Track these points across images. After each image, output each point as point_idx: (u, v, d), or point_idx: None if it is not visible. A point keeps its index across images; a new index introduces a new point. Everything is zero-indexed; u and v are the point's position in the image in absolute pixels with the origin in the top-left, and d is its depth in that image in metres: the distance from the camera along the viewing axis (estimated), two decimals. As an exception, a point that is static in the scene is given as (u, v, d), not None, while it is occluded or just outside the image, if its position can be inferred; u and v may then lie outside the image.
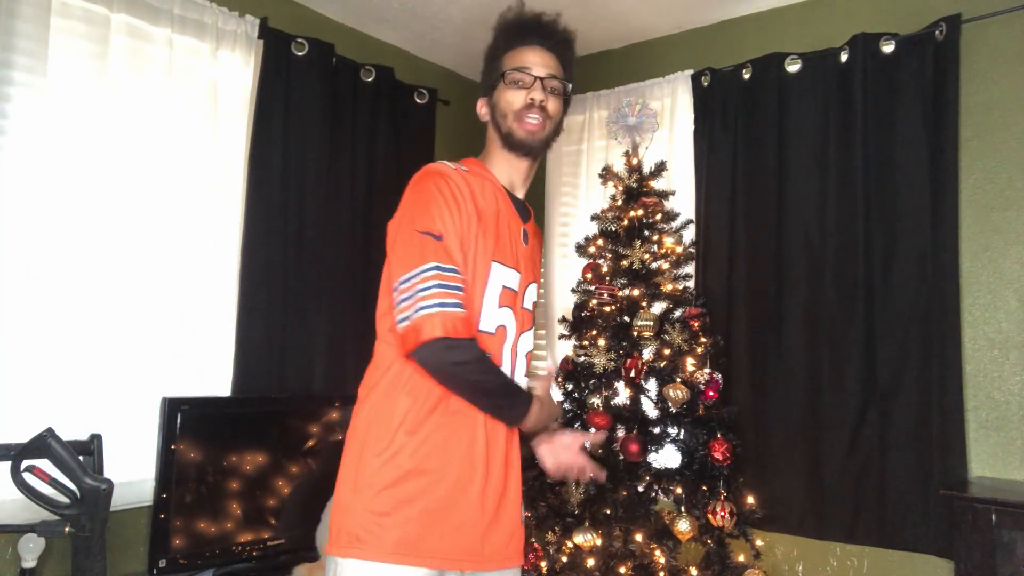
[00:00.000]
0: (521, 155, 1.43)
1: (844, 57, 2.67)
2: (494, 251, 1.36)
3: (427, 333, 1.21)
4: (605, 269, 2.65)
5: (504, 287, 1.38)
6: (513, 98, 1.41)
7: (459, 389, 1.29)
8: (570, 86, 1.48)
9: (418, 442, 1.28)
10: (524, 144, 1.41)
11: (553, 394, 1.36)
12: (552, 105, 1.42)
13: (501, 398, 1.33)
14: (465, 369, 1.26)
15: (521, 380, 1.43)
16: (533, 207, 1.56)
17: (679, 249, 2.63)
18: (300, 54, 2.82)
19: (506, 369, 1.39)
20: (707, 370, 2.49)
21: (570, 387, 2.65)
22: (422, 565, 1.25)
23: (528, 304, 1.46)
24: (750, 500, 2.47)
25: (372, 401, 1.34)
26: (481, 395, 1.31)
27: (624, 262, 2.60)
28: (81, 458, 1.86)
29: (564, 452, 1.47)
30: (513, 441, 1.41)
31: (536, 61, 1.42)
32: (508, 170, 1.46)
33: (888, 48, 2.58)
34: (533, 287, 1.48)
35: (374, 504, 1.26)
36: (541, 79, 1.41)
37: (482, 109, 1.49)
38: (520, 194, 1.49)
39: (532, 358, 1.49)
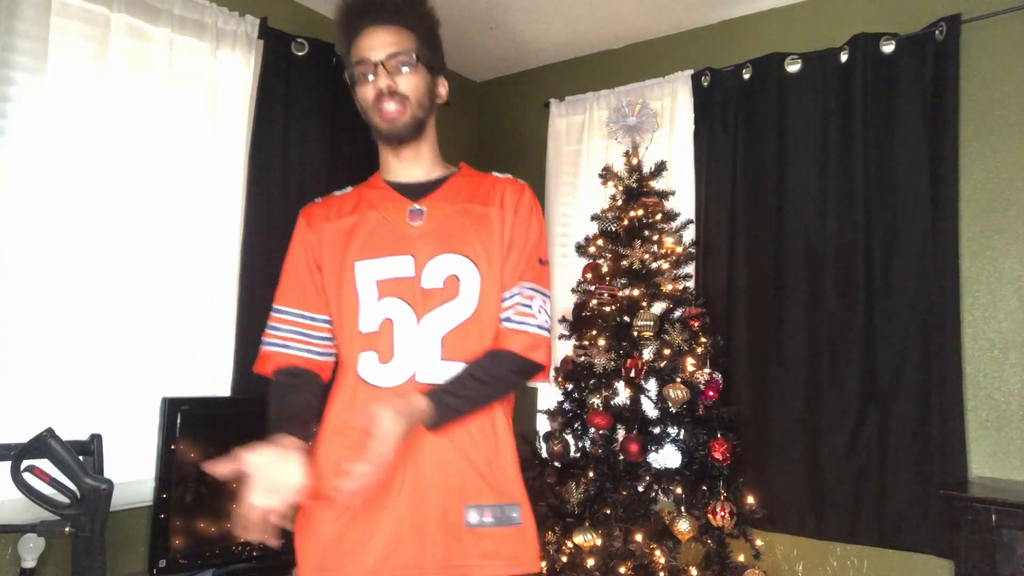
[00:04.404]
0: (394, 145, 1.38)
1: (844, 57, 2.67)
2: (357, 252, 1.35)
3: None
4: (605, 269, 2.65)
5: (380, 280, 1.32)
6: (364, 93, 1.35)
7: None
8: (415, 56, 1.35)
9: None
10: (388, 134, 1.36)
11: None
12: (405, 83, 1.34)
13: None
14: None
15: (439, 364, 1.29)
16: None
17: (679, 249, 2.63)
18: (300, 54, 2.81)
19: (407, 356, 1.30)
20: (707, 370, 2.49)
21: (570, 387, 2.65)
22: None
23: (437, 282, 1.32)
24: (750, 500, 2.47)
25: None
26: None
27: (624, 262, 2.60)
28: (81, 458, 1.86)
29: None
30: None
31: (372, 45, 1.34)
32: (392, 161, 1.42)
33: (888, 48, 2.58)
34: (449, 258, 1.33)
35: None
36: (381, 63, 1.32)
37: (358, 106, 1.41)
38: (417, 177, 1.42)
39: (468, 334, 1.33)
